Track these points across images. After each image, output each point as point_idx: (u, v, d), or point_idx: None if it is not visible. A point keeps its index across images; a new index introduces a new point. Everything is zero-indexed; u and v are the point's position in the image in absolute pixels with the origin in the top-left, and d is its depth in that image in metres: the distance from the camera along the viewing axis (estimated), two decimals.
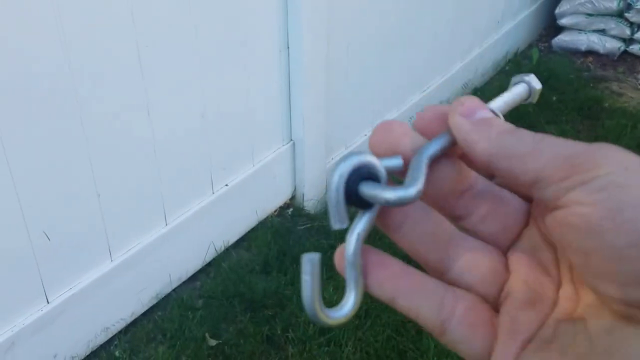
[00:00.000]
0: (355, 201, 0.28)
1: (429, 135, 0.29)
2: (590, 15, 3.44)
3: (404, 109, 2.49)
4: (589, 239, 0.23)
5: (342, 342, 1.61)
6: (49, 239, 1.41)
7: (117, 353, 1.60)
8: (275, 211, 2.09)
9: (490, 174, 0.30)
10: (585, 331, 0.25)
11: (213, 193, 1.83)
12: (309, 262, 0.27)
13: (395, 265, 0.29)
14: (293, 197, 2.15)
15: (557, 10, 3.54)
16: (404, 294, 0.29)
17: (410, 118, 2.53)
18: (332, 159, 2.21)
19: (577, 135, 2.69)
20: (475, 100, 0.28)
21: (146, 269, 1.67)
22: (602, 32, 3.44)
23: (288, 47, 1.89)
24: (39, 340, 1.47)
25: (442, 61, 2.69)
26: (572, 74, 3.24)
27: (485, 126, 0.27)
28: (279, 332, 1.66)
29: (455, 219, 0.30)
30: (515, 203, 0.30)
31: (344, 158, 0.27)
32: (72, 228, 1.46)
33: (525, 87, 0.31)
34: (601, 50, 3.44)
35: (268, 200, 2.05)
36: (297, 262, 1.85)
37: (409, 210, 0.29)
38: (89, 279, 1.53)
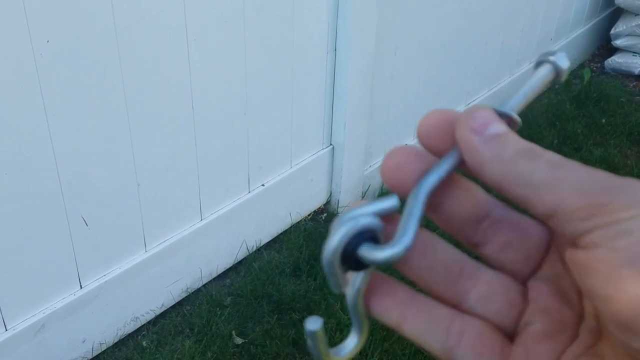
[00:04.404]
0: (352, 265, 0.27)
1: (432, 140, 0.27)
2: None
3: None
4: (610, 287, 0.22)
5: (368, 352, 1.59)
6: (87, 225, 1.43)
7: (144, 343, 1.61)
8: (309, 215, 2.08)
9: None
10: None
11: (249, 192, 1.83)
12: (311, 336, 0.27)
13: (401, 291, 0.28)
14: (328, 203, 2.13)
15: (612, 31, 3.45)
16: (410, 321, 0.28)
17: None
18: (370, 166, 2.19)
19: (624, 161, 2.60)
20: (487, 112, 0.26)
21: (178, 262, 1.68)
22: None
23: (335, 50, 1.88)
24: (69, 325, 1.48)
25: (490, 74, 2.64)
26: (623, 97, 3.15)
27: (499, 144, 0.25)
28: (305, 336, 1.65)
29: (473, 246, 0.29)
30: (536, 230, 0.28)
31: (341, 223, 0.26)
32: (110, 216, 1.48)
33: (550, 68, 0.27)
34: None
35: (303, 204, 2.04)
36: None
37: (416, 244, 0.27)
38: (123, 267, 1.54)
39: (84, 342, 1.54)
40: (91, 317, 1.52)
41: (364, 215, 0.26)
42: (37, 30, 1.18)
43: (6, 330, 1.38)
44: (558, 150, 2.59)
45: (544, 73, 0.27)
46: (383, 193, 2.25)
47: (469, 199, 0.28)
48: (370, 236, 0.26)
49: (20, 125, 1.24)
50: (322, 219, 2.09)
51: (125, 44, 1.33)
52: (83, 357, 1.55)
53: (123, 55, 1.34)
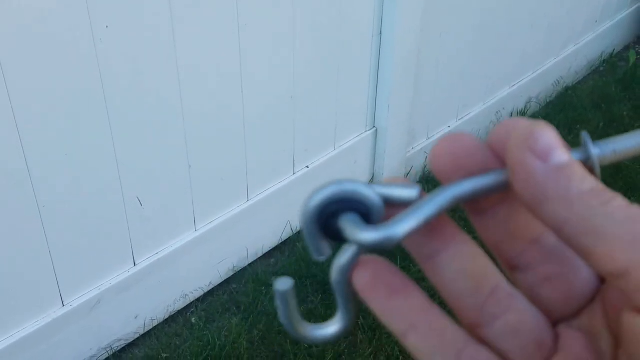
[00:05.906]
0: (333, 234, 0.23)
1: (449, 174, 0.24)
2: None
3: (490, 103, 2.43)
4: None
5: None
6: (142, 205, 1.47)
7: (193, 320, 1.66)
8: None
9: None
10: None
11: (294, 174, 1.86)
12: (281, 298, 0.24)
13: (417, 297, 0.24)
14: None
15: None
16: (420, 334, 0.24)
17: (497, 113, 2.47)
18: (413, 148, 2.19)
19: None
20: (552, 132, 0.21)
21: (226, 242, 1.72)
22: None
23: (381, 33, 1.87)
24: (123, 301, 1.54)
25: (535, 56, 2.60)
26: None
27: (563, 179, 0.20)
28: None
29: (510, 268, 0.25)
30: (586, 274, 0.24)
31: (324, 185, 0.23)
32: (163, 196, 1.52)
33: None
34: None
35: None
36: None
37: (448, 239, 0.24)
38: (174, 246, 1.59)
39: (136, 318, 1.60)
40: (144, 293, 1.57)
41: (366, 188, 0.23)
42: (96, 16, 1.21)
43: (63, 305, 1.44)
44: (604, 133, 2.55)
45: None
46: (425, 176, 2.25)
47: (526, 213, 0.24)
48: (363, 211, 0.23)
49: (80, 108, 1.28)
50: None
51: (180, 28, 1.36)
52: (135, 333, 1.61)
53: (178, 39, 1.36)
